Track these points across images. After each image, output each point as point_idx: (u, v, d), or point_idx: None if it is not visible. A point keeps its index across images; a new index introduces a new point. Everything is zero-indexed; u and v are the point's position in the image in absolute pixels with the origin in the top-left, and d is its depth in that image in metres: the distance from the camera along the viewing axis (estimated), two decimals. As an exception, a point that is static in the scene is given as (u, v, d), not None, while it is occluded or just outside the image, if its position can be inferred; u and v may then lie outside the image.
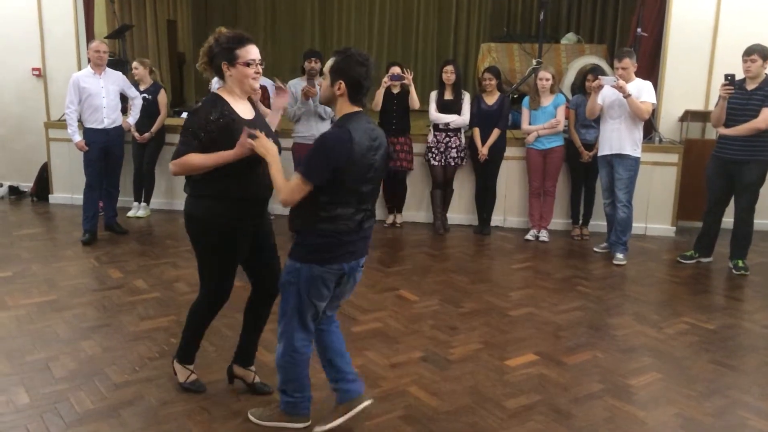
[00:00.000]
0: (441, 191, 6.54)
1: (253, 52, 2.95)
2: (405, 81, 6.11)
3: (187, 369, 3.34)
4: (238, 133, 2.85)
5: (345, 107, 2.71)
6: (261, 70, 3.00)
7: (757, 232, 5.61)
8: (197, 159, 2.88)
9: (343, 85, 2.66)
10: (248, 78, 2.96)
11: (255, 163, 2.88)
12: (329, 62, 2.72)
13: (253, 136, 2.80)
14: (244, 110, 3.02)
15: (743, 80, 5.19)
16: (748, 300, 4.93)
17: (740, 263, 5.44)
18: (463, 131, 6.43)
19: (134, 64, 6.65)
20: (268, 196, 3.12)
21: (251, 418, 3.05)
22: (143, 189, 6.91)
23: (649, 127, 6.45)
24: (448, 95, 6.33)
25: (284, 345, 2.86)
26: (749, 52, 5.12)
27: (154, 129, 6.60)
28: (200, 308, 3.24)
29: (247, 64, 2.93)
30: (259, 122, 3.05)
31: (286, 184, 2.67)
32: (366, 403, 2.97)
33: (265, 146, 2.79)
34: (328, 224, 2.69)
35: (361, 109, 2.74)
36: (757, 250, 5.87)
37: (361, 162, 2.64)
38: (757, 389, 3.52)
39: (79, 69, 7.08)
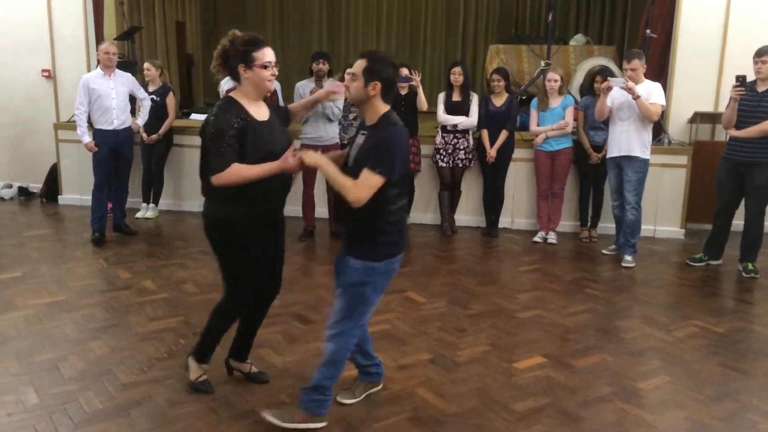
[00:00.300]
0: (449, 193, 6.54)
1: (269, 54, 2.97)
2: (413, 83, 6.10)
3: (200, 368, 3.36)
4: (253, 136, 2.88)
5: (381, 106, 2.84)
6: (276, 72, 3.02)
7: (767, 234, 5.57)
8: (244, 170, 2.86)
9: (379, 85, 2.77)
10: (264, 80, 2.97)
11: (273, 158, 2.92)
12: (361, 64, 2.79)
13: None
14: (259, 112, 3.02)
15: (754, 82, 5.16)
16: (758, 303, 4.89)
17: (750, 266, 5.40)
18: (471, 133, 6.43)
19: (146, 65, 6.68)
20: (285, 197, 3.18)
21: (271, 419, 3.01)
22: (152, 190, 6.93)
23: (658, 129, 6.42)
24: (456, 97, 6.32)
25: (339, 345, 2.93)
26: (761, 53, 5.08)
27: (162, 131, 6.63)
28: (224, 311, 3.27)
29: (264, 67, 2.95)
30: (274, 123, 3.05)
31: (356, 184, 2.71)
32: (379, 387, 3.37)
33: (313, 157, 2.83)
34: (395, 216, 2.85)
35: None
36: (767, 253, 5.83)
37: (406, 152, 2.86)
38: (767, 393, 3.49)
39: (89, 70, 7.12)
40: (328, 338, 2.94)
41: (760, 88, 5.14)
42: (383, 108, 2.84)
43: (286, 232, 3.33)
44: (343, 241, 3.00)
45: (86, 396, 3.28)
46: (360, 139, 2.87)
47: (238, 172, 2.86)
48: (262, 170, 2.88)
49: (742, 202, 5.45)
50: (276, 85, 6.12)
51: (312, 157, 2.83)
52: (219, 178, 2.87)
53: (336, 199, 2.91)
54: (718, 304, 4.88)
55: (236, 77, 3.01)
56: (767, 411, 3.30)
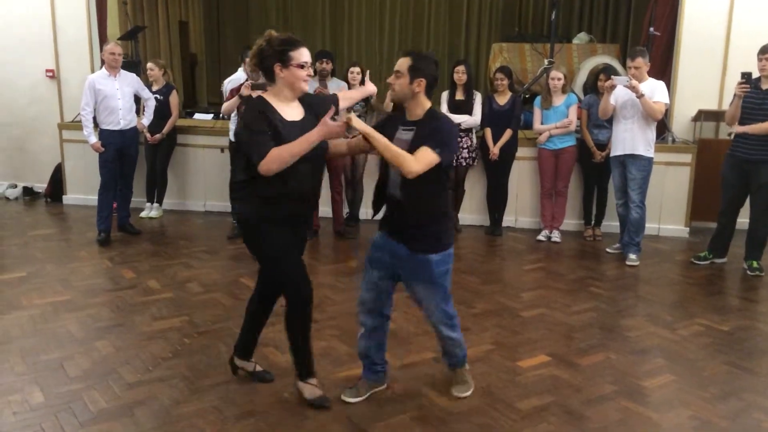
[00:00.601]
0: (452, 191, 6.53)
1: (305, 54, 2.98)
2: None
3: (250, 362, 3.46)
4: (284, 137, 2.87)
5: (425, 102, 2.96)
6: (312, 73, 3.04)
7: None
8: (285, 150, 2.85)
9: (423, 82, 2.90)
10: (300, 80, 2.97)
11: (302, 160, 2.90)
12: (406, 62, 2.91)
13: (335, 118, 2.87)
14: (292, 113, 3.01)
15: (758, 79, 5.14)
16: (763, 301, 4.88)
17: (755, 264, 5.39)
18: (474, 131, 6.42)
19: (149, 65, 6.70)
20: (314, 194, 3.17)
21: (350, 399, 3.24)
22: (156, 190, 6.95)
23: (662, 127, 6.41)
24: (459, 95, 6.32)
25: (456, 327, 3.25)
26: (765, 50, 5.06)
27: (165, 130, 6.64)
28: (292, 314, 3.23)
29: (301, 66, 2.96)
30: (308, 123, 2.99)
31: (415, 156, 2.80)
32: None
33: (361, 123, 2.87)
34: (447, 202, 3.08)
35: None
36: (772, 250, 5.81)
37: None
38: (772, 391, 3.49)
39: (92, 70, 7.14)
40: (446, 328, 3.21)
41: (765, 86, 5.12)
42: (428, 103, 2.96)
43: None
44: (394, 242, 3.04)
45: (91, 395, 3.29)
46: (404, 135, 2.94)
47: (279, 153, 2.83)
48: (305, 141, 2.85)
49: (747, 200, 5.44)
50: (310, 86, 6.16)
51: (360, 123, 2.85)
52: (265, 165, 2.83)
53: (379, 190, 3.06)
54: (723, 302, 4.87)
55: (271, 77, 2.99)
56: (772, 409, 3.29)
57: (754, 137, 5.13)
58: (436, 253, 2.99)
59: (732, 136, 5.46)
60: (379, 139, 2.84)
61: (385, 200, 3.07)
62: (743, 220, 5.49)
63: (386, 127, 3.02)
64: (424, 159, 2.80)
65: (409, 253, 3.00)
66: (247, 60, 3.05)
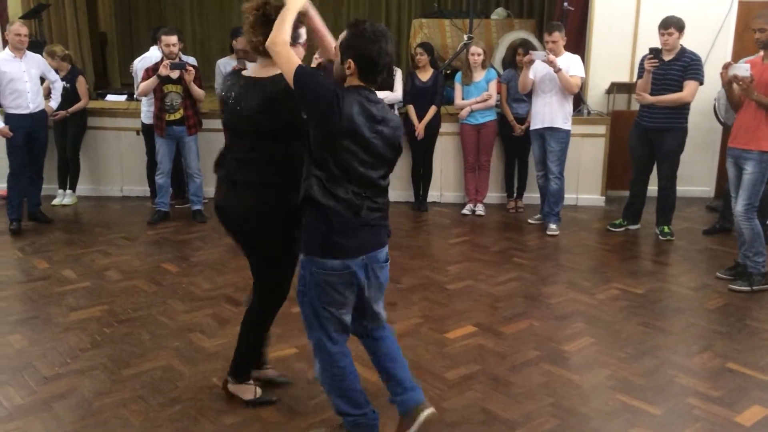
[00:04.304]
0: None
1: (304, 34, 2.76)
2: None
3: (249, 385, 3.06)
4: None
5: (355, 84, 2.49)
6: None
7: (680, 198, 5.83)
8: (276, 27, 2.49)
9: (353, 64, 2.44)
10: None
11: None
12: (341, 37, 2.50)
13: None
14: None
15: (660, 51, 5.33)
16: (674, 264, 5.13)
17: (666, 229, 5.65)
18: (396, 107, 6.42)
19: (44, 56, 6.30)
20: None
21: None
22: (68, 175, 6.64)
23: (578, 100, 6.59)
24: (380, 72, 6.28)
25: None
26: (666, 26, 5.26)
27: (71, 110, 6.31)
28: (261, 317, 2.98)
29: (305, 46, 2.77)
30: None
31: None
32: (428, 411, 2.66)
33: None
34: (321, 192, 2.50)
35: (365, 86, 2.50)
36: (682, 216, 6.11)
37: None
38: (683, 348, 3.69)
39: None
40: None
41: (667, 57, 5.33)
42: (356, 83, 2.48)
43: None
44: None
45: (5, 391, 3.14)
46: None
47: (276, 32, 2.48)
48: (286, 17, 2.52)
49: (655, 168, 5.68)
50: (192, 60, 6.00)
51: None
52: (272, 41, 2.48)
53: None
54: (637, 266, 5.09)
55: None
56: (685, 365, 3.48)
57: (659, 107, 5.35)
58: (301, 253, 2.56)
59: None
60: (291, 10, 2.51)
61: None
62: (654, 187, 5.73)
63: None
64: (291, 55, 2.44)
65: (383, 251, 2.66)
66: (246, 25, 2.68)
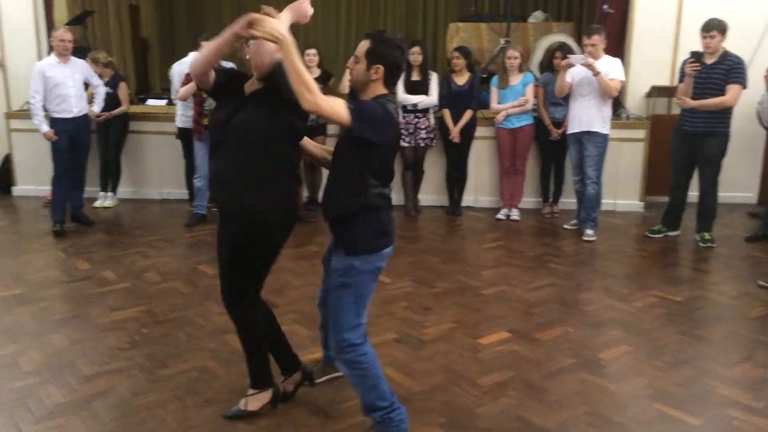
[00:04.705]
0: (411, 173, 6.54)
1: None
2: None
3: (261, 396, 3.02)
4: None
5: (379, 90, 2.62)
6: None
7: (722, 204, 5.71)
8: (296, 82, 2.39)
9: (381, 69, 2.58)
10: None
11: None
12: (364, 45, 2.60)
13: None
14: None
15: (702, 54, 5.23)
16: (714, 271, 5.02)
17: (706, 236, 5.53)
18: (431, 111, 6.42)
19: (87, 62, 6.46)
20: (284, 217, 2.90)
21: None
22: (109, 178, 6.80)
23: (617, 104, 6.50)
24: (415, 76, 6.30)
25: (354, 367, 2.79)
26: (708, 29, 5.16)
27: (114, 112, 6.46)
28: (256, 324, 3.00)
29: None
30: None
31: (325, 96, 2.45)
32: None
33: (275, 26, 2.39)
34: (375, 199, 2.69)
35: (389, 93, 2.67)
36: (723, 222, 5.98)
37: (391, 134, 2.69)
38: (724, 358, 3.60)
39: (40, 57, 6.90)
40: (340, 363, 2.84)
41: (709, 61, 5.23)
42: (382, 91, 2.63)
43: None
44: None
45: (47, 389, 3.22)
46: None
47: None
48: (218, 43, 2.60)
49: (696, 173, 5.56)
50: (231, 66, 6.07)
51: (273, 26, 2.39)
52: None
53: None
54: (676, 273, 4.99)
55: None
56: (725, 375, 3.39)
57: (700, 111, 5.24)
58: (338, 251, 2.70)
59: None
60: (292, 52, 2.38)
61: None
62: (694, 193, 5.61)
63: None
64: (332, 102, 2.44)
65: (333, 249, 2.79)
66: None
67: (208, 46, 2.72)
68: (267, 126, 2.72)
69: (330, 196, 2.73)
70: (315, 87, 2.41)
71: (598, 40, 5.50)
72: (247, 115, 2.73)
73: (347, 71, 2.82)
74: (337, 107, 2.44)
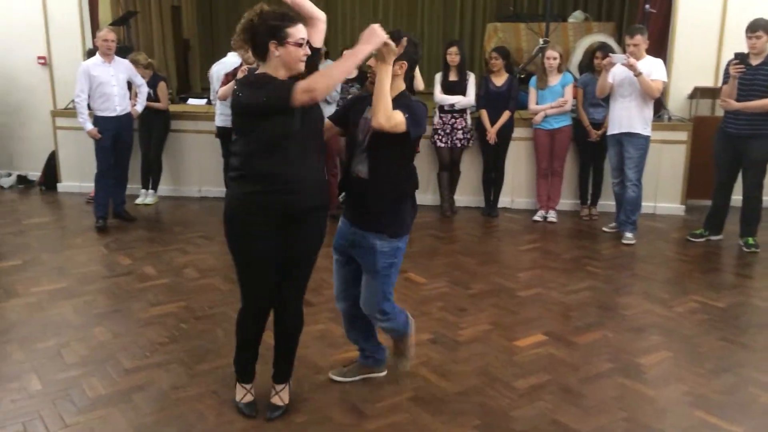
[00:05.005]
0: (448, 173, 6.52)
1: (302, 31, 2.70)
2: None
3: (243, 387, 3.06)
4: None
5: (400, 85, 2.89)
6: (309, 52, 2.74)
7: (766, 208, 5.57)
8: (327, 71, 2.65)
9: (406, 65, 2.84)
10: (298, 60, 2.68)
11: (293, 140, 2.70)
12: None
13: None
14: None
15: (747, 55, 5.10)
16: (758, 277, 4.90)
17: (750, 240, 5.40)
18: (468, 112, 6.39)
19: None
20: (316, 192, 2.83)
21: (336, 377, 3.30)
22: (151, 176, 6.93)
23: (658, 105, 6.38)
24: (452, 77, 6.28)
25: (392, 320, 3.16)
26: (754, 29, 5.04)
27: (153, 105, 6.55)
28: (240, 317, 3.04)
29: (298, 45, 2.66)
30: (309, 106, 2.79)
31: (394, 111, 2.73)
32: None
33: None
34: (411, 184, 3.11)
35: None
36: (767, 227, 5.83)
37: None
38: (767, 366, 3.51)
39: (84, 57, 7.07)
40: (379, 321, 3.13)
41: (755, 62, 5.10)
42: (403, 86, 2.90)
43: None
44: (350, 225, 3.00)
45: (89, 381, 3.30)
46: (371, 114, 2.75)
47: (321, 75, 2.63)
48: (355, 57, 2.63)
49: (740, 176, 5.43)
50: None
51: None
52: (308, 87, 2.56)
53: (345, 169, 3.00)
54: (719, 279, 4.89)
55: (263, 55, 2.70)
56: (767, 384, 3.31)
57: (745, 113, 5.12)
58: (383, 236, 2.90)
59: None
60: (385, 74, 2.69)
61: (349, 180, 2.97)
62: (738, 196, 5.48)
63: (355, 107, 2.97)
64: (394, 117, 2.70)
65: (359, 235, 2.93)
66: (234, 36, 2.78)
67: (346, 65, 2.66)
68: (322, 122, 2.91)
69: (378, 186, 2.88)
70: (390, 108, 2.70)
71: (641, 40, 5.41)
72: (309, 118, 2.76)
73: (369, 72, 3.05)
74: (397, 121, 2.72)
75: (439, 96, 6.27)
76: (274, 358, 3.08)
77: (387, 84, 2.70)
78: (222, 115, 6.20)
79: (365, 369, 3.33)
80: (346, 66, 2.66)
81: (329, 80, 2.63)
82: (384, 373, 3.35)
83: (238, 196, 2.78)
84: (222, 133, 6.34)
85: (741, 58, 5.04)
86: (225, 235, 2.86)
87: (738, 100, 5.16)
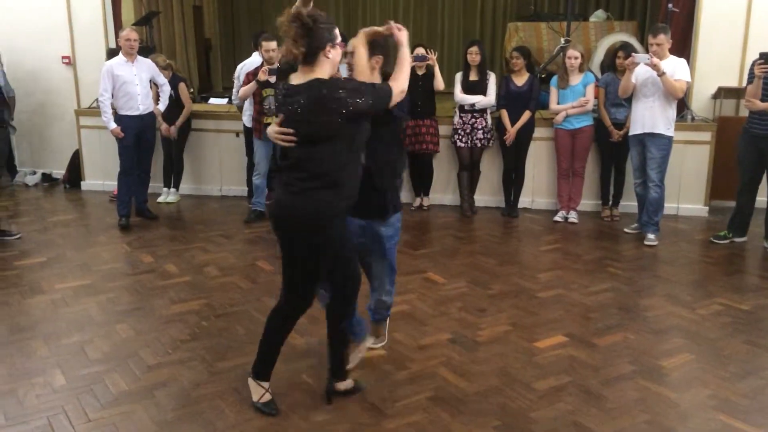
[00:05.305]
0: (468, 173, 6.50)
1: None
2: (429, 62, 5.98)
3: (260, 386, 3.06)
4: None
5: (376, 79, 3.02)
6: None
7: (793, 210, 5.48)
8: (402, 73, 2.88)
9: (381, 59, 3.01)
10: (337, 61, 2.79)
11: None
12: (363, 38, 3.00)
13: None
14: None
15: None
16: (784, 280, 4.83)
17: (775, 243, 5.33)
18: (489, 112, 6.37)
19: None
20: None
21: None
22: (172, 175, 6.99)
23: (681, 105, 6.31)
24: (473, 76, 6.26)
25: (392, 293, 3.49)
26: None
27: (178, 122, 6.63)
28: (281, 318, 3.05)
29: (340, 46, 2.81)
30: None
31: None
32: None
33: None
34: (401, 164, 3.35)
35: None
36: (794, 229, 5.73)
37: None
38: (793, 370, 3.46)
39: (107, 57, 7.15)
40: (386, 295, 3.42)
41: (782, 62, 5.03)
42: (379, 80, 3.03)
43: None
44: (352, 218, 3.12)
45: (112, 378, 3.34)
46: None
47: (404, 79, 2.87)
48: (407, 60, 2.91)
49: (765, 177, 5.36)
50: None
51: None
52: (402, 88, 2.86)
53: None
54: (743, 281, 4.82)
55: (314, 58, 2.70)
56: (793, 388, 3.27)
57: (768, 113, 5.05)
58: (385, 221, 3.17)
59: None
60: (405, 52, 2.90)
61: None
62: (763, 198, 5.41)
63: None
64: (400, 86, 2.88)
65: (366, 226, 3.18)
66: (288, 39, 2.69)
67: (408, 68, 2.90)
68: None
69: (384, 170, 3.08)
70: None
71: (664, 39, 5.35)
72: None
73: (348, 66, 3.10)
74: (402, 88, 2.87)
75: (460, 96, 6.26)
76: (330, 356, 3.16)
77: (407, 57, 2.91)
78: (250, 115, 6.22)
79: (354, 346, 3.27)
80: (408, 68, 2.91)
81: (407, 82, 2.89)
82: (371, 341, 3.47)
83: (331, 201, 2.76)
84: (249, 132, 6.36)
85: (766, 58, 4.97)
86: (302, 241, 2.81)
87: (763, 101, 5.09)
